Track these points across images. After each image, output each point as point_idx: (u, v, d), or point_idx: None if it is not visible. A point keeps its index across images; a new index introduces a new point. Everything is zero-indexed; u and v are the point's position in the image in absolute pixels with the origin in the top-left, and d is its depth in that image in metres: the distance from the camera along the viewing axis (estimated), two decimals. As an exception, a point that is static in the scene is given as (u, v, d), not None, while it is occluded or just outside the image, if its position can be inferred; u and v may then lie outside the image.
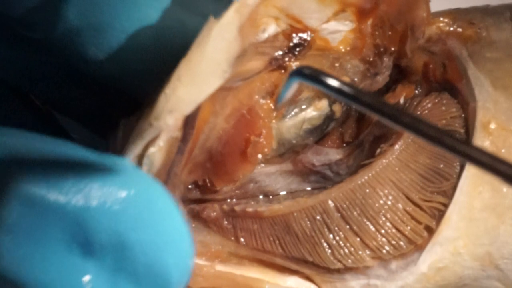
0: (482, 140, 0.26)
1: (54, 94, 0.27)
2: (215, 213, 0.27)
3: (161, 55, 0.24)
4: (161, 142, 0.21)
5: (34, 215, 0.18)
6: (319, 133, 0.29)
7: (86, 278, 0.18)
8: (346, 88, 0.18)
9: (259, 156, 0.26)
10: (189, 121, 0.22)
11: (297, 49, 0.25)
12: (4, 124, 0.21)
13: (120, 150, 0.21)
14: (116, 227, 0.18)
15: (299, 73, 0.19)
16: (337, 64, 0.27)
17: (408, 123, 0.17)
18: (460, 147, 0.17)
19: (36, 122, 0.27)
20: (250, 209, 0.27)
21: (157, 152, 0.21)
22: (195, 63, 0.20)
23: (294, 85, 0.20)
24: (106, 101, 0.27)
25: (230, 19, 0.21)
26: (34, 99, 0.28)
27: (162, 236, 0.18)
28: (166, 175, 0.22)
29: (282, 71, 0.25)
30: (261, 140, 0.26)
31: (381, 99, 0.17)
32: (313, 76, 0.19)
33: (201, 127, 0.24)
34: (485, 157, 0.16)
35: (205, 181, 0.27)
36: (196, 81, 0.20)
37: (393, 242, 0.26)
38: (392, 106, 0.18)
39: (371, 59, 0.28)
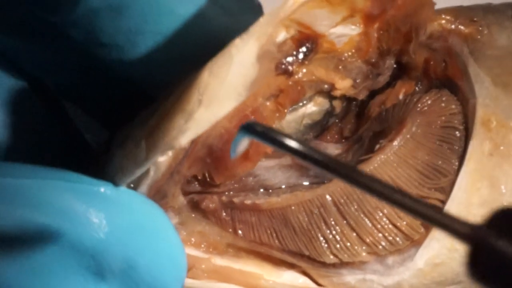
0: (481, 137, 0.26)
1: (66, 84, 0.27)
2: (213, 205, 0.27)
3: (179, 46, 0.24)
4: (170, 153, 0.21)
5: (54, 251, 0.19)
6: (319, 128, 0.29)
7: None
8: (298, 147, 0.18)
9: (261, 156, 0.26)
10: None
11: (305, 54, 0.25)
12: (16, 115, 0.22)
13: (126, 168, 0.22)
14: (125, 253, 0.19)
15: (249, 129, 0.18)
16: (340, 66, 0.27)
17: (364, 183, 0.17)
18: (412, 205, 0.16)
19: (46, 114, 0.27)
20: (248, 202, 0.27)
21: (165, 161, 0.22)
22: (213, 86, 0.21)
23: (245, 140, 0.19)
24: (117, 92, 0.27)
25: (251, 47, 0.21)
26: (46, 90, 0.28)
27: (163, 256, 0.20)
28: (169, 175, 0.23)
29: (288, 76, 0.25)
30: None
31: (334, 159, 0.17)
32: (263, 133, 0.18)
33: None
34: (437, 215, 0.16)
35: (205, 175, 0.27)
36: (213, 104, 0.21)
37: (390, 237, 0.26)
38: (346, 166, 0.17)
39: (375, 60, 0.28)
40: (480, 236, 0.15)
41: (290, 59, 0.25)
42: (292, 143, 0.17)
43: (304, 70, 0.26)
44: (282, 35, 0.24)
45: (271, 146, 0.18)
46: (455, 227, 0.15)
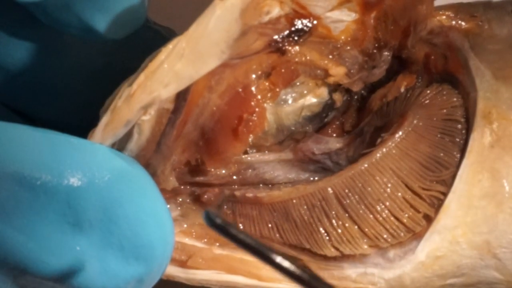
0: (482, 129, 0.26)
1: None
2: (215, 198, 0.27)
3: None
4: (152, 111, 0.21)
5: (27, 197, 0.18)
6: (319, 121, 0.29)
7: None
8: (255, 244, 0.18)
9: (251, 136, 0.26)
10: (181, 94, 0.22)
11: (298, 34, 0.25)
12: None
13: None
14: (102, 203, 0.19)
15: (209, 219, 0.18)
16: (335, 53, 0.27)
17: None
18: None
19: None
20: (250, 195, 0.27)
21: (147, 122, 0.21)
22: (195, 40, 0.20)
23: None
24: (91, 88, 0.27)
25: (234, 1, 0.21)
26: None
27: (144, 211, 0.20)
28: (155, 145, 0.23)
29: (281, 54, 0.25)
30: (254, 118, 0.26)
31: (293, 260, 0.18)
32: (222, 227, 0.18)
33: (195, 101, 0.24)
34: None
35: (197, 160, 0.27)
36: (195, 59, 0.21)
37: (391, 230, 0.26)
38: (303, 271, 0.18)
39: (371, 51, 0.28)
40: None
41: (283, 37, 0.25)
42: (249, 240, 0.18)
43: (298, 50, 0.26)
44: (276, 11, 0.24)
45: (229, 240, 0.18)
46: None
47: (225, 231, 0.18)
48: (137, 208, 0.20)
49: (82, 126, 0.22)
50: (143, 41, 0.27)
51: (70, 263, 0.18)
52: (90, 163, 0.19)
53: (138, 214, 0.20)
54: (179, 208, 0.27)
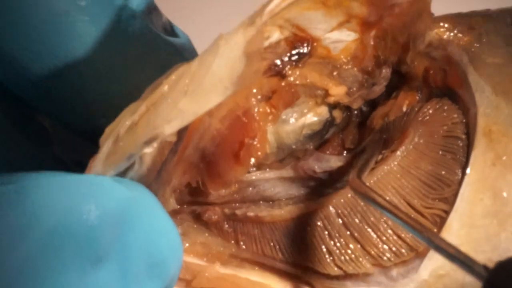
0: (483, 147, 0.26)
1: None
2: (216, 216, 0.27)
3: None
4: (155, 144, 0.21)
5: (54, 247, 0.18)
6: (319, 138, 0.29)
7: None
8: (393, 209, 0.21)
9: (252, 159, 0.26)
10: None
11: (298, 57, 0.25)
12: None
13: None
14: (115, 233, 0.19)
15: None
16: (335, 73, 0.27)
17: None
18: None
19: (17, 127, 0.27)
20: (251, 214, 0.27)
21: (149, 154, 0.21)
22: (199, 77, 0.20)
23: None
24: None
25: (237, 39, 0.21)
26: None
27: (154, 230, 0.20)
28: (156, 173, 0.23)
29: (281, 77, 0.25)
30: (255, 143, 0.26)
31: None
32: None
33: (195, 126, 0.24)
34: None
35: (199, 182, 0.27)
36: (199, 96, 0.20)
37: (394, 249, 0.26)
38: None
39: (370, 69, 0.27)
40: (495, 277, 0.17)
41: (283, 60, 0.25)
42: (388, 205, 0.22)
43: (298, 73, 0.26)
44: (276, 36, 0.24)
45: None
46: (471, 266, 0.18)
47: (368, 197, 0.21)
48: (147, 229, 0.20)
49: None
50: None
51: None
52: (98, 197, 0.19)
53: (149, 235, 0.20)
54: (179, 226, 0.27)
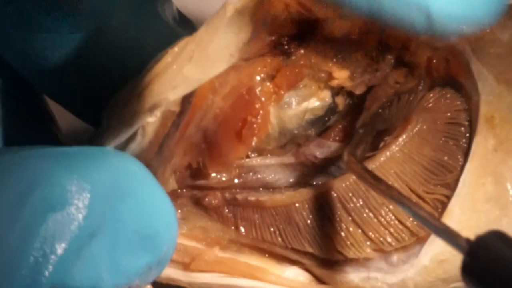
0: (485, 133, 0.26)
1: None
2: (216, 201, 0.27)
3: None
4: (158, 113, 0.21)
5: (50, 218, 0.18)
6: (321, 124, 0.29)
7: None
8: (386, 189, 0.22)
9: (254, 138, 0.26)
10: (187, 96, 0.22)
11: (303, 37, 0.25)
12: None
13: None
14: (106, 204, 0.19)
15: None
16: (339, 56, 0.27)
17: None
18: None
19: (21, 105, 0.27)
20: (252, 198, 0.27)
21: (152, 124, 0.21)
22: (205, 43, 0.20)
23: None
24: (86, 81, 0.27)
25: (245, 5, 0.21)
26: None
27: (145, 202, 0.20)
28: (157, 147, 0.22)
29: (285, 57, 0.25)
30: (258, 121, 0.25)
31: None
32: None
33: (199, 103, 0.24)
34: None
35: (199, 163, 0.27)
36: (204, 62, 0.20)
37: (395, 234, 0.26)
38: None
39: (374, 54, 0.28)
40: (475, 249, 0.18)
41: (288, 39, 0.24)
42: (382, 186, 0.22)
43: (302, 52, 0.26)
44: (282, 14, 0.24)
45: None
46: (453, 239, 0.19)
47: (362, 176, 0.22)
48: (139, 201, 0.20)
49: None
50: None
51: (89, 277, 0.19)
52: (90, 168, 0.19)
53: (141, 207, 0.20)
54: (179, 211, 0.27)
